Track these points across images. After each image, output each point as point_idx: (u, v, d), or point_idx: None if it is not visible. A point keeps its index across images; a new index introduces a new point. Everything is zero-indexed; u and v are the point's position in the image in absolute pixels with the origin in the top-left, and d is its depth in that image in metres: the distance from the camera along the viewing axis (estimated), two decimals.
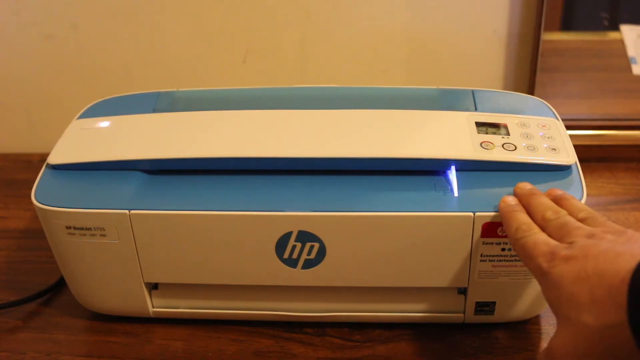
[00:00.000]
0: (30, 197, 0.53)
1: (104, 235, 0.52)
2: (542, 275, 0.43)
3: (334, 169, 0.53)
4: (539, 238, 0.45)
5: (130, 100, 0.63)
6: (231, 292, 0.57)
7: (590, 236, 0.43)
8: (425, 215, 0.50)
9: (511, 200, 0.49)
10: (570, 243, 0.42)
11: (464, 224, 0.50)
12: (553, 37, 0.81)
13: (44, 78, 0.86)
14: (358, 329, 0.58)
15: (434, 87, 0.64)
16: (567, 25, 0.83)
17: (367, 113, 0.57)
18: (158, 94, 0.64)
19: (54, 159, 0.55)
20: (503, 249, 0.51)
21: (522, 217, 0.47)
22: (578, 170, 0.53)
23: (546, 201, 0.48)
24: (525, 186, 0.50)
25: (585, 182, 0.52)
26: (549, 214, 0.46)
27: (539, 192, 0.49)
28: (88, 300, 0.59)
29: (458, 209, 0.50)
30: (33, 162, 0.86)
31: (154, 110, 0.60)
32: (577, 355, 0.40)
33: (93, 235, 0.52)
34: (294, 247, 0.52)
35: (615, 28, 0.83)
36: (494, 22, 0.80)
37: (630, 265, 0.38)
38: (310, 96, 0.62)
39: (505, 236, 0.50)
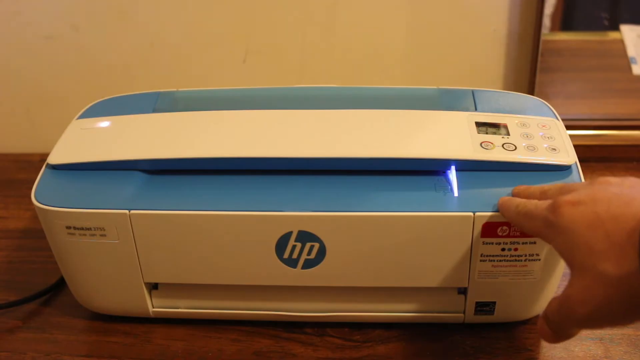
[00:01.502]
0: (30, 197, 0.53)
1: (104, 235, 0.52)
2: (550, 227, 0.41)
3: (334, 169, 0.53)
4: (539, 201, 0.44)
5: (130, 100, 0.63)
6: (231, 292, 0.57)
7: (593, 184, 0.42)
8: (425, 215, 0.50)
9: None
10: (571, 192, 0.42)
11: (464, 224, 0.50)
12: (553, 37, 0.81)
13: (44, 78, 0.86)
14: (358, 329, 0.58)
15: (434, 87, 0.64)
16: (567, 25, 0.83)
17: (367, 113, 0.57)
18: (158, 94, 0.64)
19: (54, 159, 0.55)
20: (503, 249, 0.51)
21: (521, 199, 0.48)
22: (578, 170, 0.53)
23: (542, 185, 0.48)
24: (521, 186, 0.50)
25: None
26: (547, 187, 0.47)
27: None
28: (88, 300, 0.59)
29: (458, 209, 0.50)
30: (33, 162, 0.86)
31: (154, 110, 0.60)
32: (596, 304, 0.38)
33: (93, 235, 0.52)
34: (294, 247, 0.52)
35: (615, 28, 0.83)
36: (494, 22, 0.80)
37: None
38: (310, 96, 0.62)
39: (506, 236, 0.50)
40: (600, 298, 0.38)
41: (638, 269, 0.36)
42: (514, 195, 0.50)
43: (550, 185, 0.47)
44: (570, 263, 0.40)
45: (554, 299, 0.42)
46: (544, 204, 0.43)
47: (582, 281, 0.39)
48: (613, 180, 0.42)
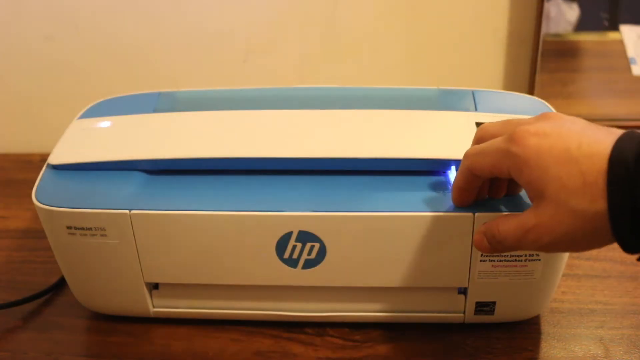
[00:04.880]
0: (30, 197, 0.53)
1: (105, 235, 0.52)
2: (512, 157, 0.41)
3: (334, 169, 0.53)
4: (491, 140, 0.44)
5: (130, 100, 0.63)
6: (231, 292, 0.57)
7: (547, 118, 0.42)
8: (425, 215, 0.50)
9: None
10: (530, 124, 0.42)
11: (464, 224, 0.50)
12: (553, 37, 0.81)
13: (44, 78, 0.87)
14: (358, 329, 0.58)
15: (434, 87, 0.64)
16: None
17: (367, 113, 0.57)
18: (158, 94, 0.64)
19: (54, 159, 0.55)
20: None
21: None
22: None
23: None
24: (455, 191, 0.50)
25: None
26: (480, 132, 0.47)
27: None
28: (88, 300, 0.59)
29: (458, 209, 0.50)
30: (33, 162, 0.86)
31: (155, 110, 0.60)
32: (562, 235, 0.40)
33: (94, 235, 0.52)
34: (294, 247, 0.52)
35: (615, 28, 0.84)
36: (494, 22, 0.80)
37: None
38: (311, 96, 0.62)
39: None
40: (568, 230, 0.39)
41: (606, 209, 0.37)
42: (456, 200, 0.49)
43: (481, 129, 0.47)
44: (536, 193, 0.41)
45: (505, 222, 0.43)
46: (497, 140, 0.43)
47: (551, 213, 0.40)
48: (561, 115, 0.42)
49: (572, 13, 0.79)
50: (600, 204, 0.38)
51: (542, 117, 0.43)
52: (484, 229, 0.46)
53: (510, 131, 0.43)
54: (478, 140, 0.48)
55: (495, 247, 0.45)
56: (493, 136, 0.45)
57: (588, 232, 0.39)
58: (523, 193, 0.50)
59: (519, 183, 0.43)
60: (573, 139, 0.39)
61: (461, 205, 0.49)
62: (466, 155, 0.46)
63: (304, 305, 0.57)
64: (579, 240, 0.40)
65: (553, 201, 0.40)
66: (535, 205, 0.41)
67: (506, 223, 0.43)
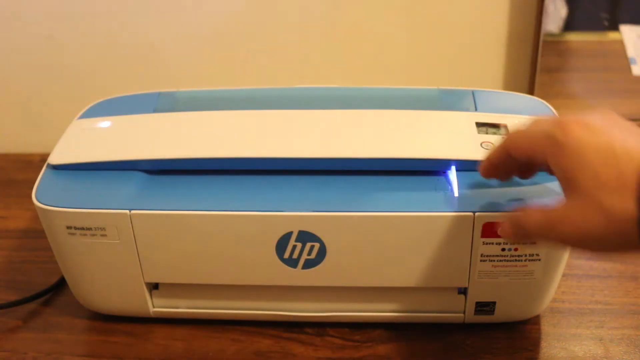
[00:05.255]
0: (30, 197, 0.53)
1: (105, 235, 0.52)
2: (556, 145, 0.40)
3: (334, 169, 0.53)
4: (535, 122, 0.42)
5: (130, 100, 0.63)
6: (231, 292, 0.57)
7: (600, 115, 0.41)
8: (425, 215, 0.50)
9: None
10: (577, 115, 0.40)
11: (464, 224, 0.50)
12: (553, 37, 0.81)
13: (44, 78, 0.86)
14: (358, 329, 0.58)
15: (434, 87, 0.64)
16: (567, 25, 0.83)
17: (367, 113, 0.57)
18: (158, 94, 0.64)
19: (54, 159, 0.55)
20: (503, 249, 0.51)
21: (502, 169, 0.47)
22: None
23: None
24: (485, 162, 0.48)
25: None
26: (524, 126, 0.45)
27: None
28: (88, 300, 0.59)
29: (458, 209, 0.50)
30: (34, 162, 0.86)
31: (155, 110, 0.60)
32: (590, 233, 0.38)
33: (94, 235, 0.52)
34: (294, 247, 0.52)
35: (615, 28, 0.84)
36: (494, 22, 0.80)
37: None
38: (311, 96, 0.62)
39: None
40: (595, 228, 0.38)
41: (637, 215, 0.36)
42: (484, 169, 0.48)
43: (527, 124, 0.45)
44: (570, 186, 0.39)
45: (535, 212, 0.42)
46: (544, 122, 0.42)
47: (583, 208, 0.39)
48: (613, 114, 0.41)
49: (562, 11, 0.79)
50: (631, 208, 0.37)
51: (594, 112, 0.42)
52: (511, 216, 0.44)
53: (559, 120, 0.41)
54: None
55: (519, 236, 0.44)
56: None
57: (615, 234, 0.38)
58: (528, 192, 0.50)
59: (554, 170, 0.41)
60: (618, 137, 0.38)
61: (486, 177, 0.48)
62: (507, 134, 0.45)
63: (304, 305, 0.57)
64: (605, 241, 0.38)
65: (585, 195, 0.38)
66: (566, 197, 0.40)
67: (534, 213, 0.42)
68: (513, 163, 0.46)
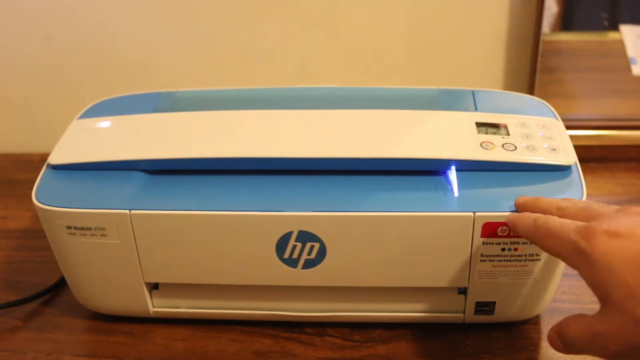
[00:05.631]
0: (30, 197, 0.53)
1: (105, 235, 0.52)
2: (580, 254, 0.39)
3: (334, 169, 0.53)
4: (564, 220, 0.41)
5: (130, 100, 0.63)
6: (231, 292, 0.57)
7: (627, 213, 0.39)
8: (425, 215, 0.50)
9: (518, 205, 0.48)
10: (605, 219, 0.39)
11: (464, 224, 0.50)
12: (553, 37, 0.81)
13: (44, 78, 0.86)
14: (358, 329, 0.58)
15: (434, 87, 0.64)
16: (567, 25, 0.83)
17: (368, 113, 0.57)
18: (158, 94, 0.64)
19: (54, 159, 0.55)
20: (503, 249, 0.51)
21: (536, 213, 0.45)
22: (578, 171, 0.53)
23: (553, 198, 0.47)
24: (526, 197, 0.49)
25: (585, 182, 0.52)
26: (564, 203, 0.44)
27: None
28: (88, 300, 0.59)
29: (458, 209, 0.50)
30: (33, 162, 0.86)
31: (155, 110, 0.60)
32: (630, 345, 0.37)
33: (93, 235, 0.52)
34: (294, 247, 0.52)
35: (615, 28, 0.84)
36: (494, 22, 0.80)
37: None
38: (311, 96, 0.62)
39: (506, 236, 0.50)
40: (636, 341, 0.37)
41: None
42: (517, 206, 0.48)
43: (567, 201, 0.45)
44: (603, 298, 0.39)
45: (575, 322, 0.41)
46: (571, 224, 0.41)
47: (618, 321, 0.38)
48: (636, 211, 0.40)
49: (553, 9, 0.79)
50: None
51: (621, 211, 0.41)
52: (557, 327, 0.43)
53: (586, 220, 0.41)
54: (558, 209, 0.45)
55: (568, 348, 0.42)
56: (572, 217, 0.43)
57: None
58: (529, 192, 0.50)
59: (584, 279, 0.40)
60: None
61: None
62: (538, 225, 0.44)
63: (303, 305, 0.57)
64: None
65: (618, 308, 0.37)
66: (601, 308, 0.39)
67: (575, 324, 0.41)
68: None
